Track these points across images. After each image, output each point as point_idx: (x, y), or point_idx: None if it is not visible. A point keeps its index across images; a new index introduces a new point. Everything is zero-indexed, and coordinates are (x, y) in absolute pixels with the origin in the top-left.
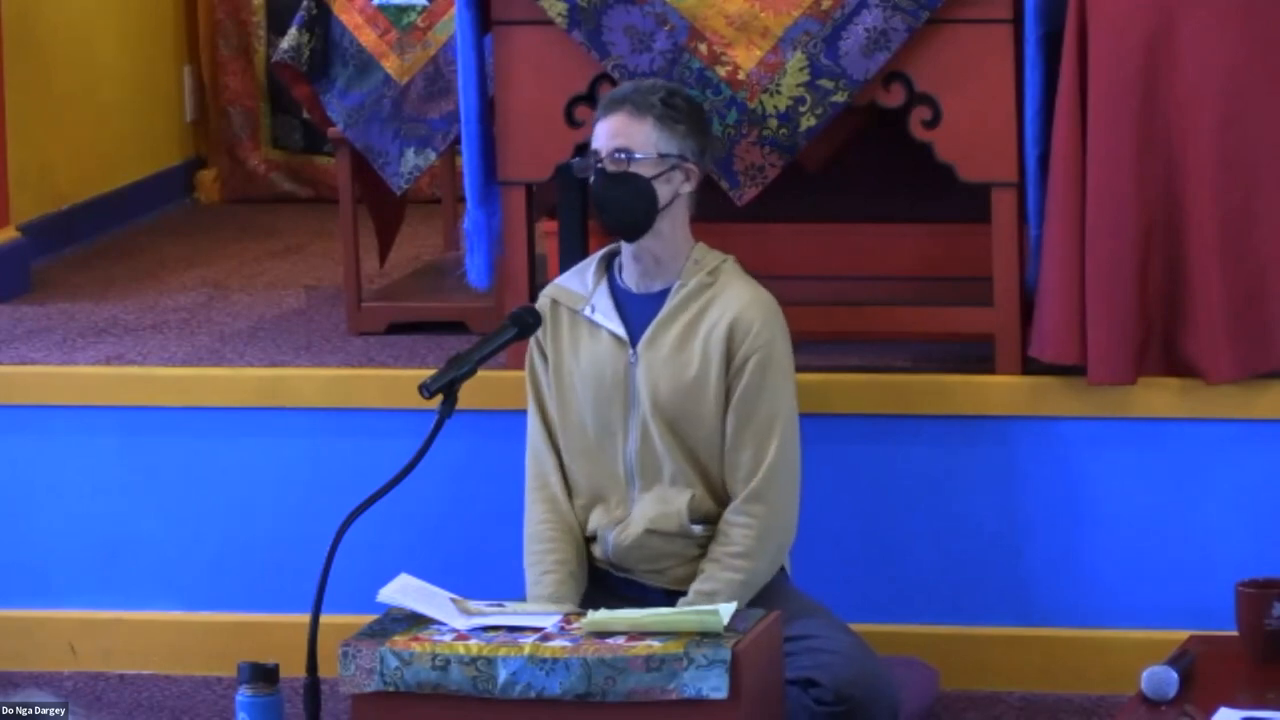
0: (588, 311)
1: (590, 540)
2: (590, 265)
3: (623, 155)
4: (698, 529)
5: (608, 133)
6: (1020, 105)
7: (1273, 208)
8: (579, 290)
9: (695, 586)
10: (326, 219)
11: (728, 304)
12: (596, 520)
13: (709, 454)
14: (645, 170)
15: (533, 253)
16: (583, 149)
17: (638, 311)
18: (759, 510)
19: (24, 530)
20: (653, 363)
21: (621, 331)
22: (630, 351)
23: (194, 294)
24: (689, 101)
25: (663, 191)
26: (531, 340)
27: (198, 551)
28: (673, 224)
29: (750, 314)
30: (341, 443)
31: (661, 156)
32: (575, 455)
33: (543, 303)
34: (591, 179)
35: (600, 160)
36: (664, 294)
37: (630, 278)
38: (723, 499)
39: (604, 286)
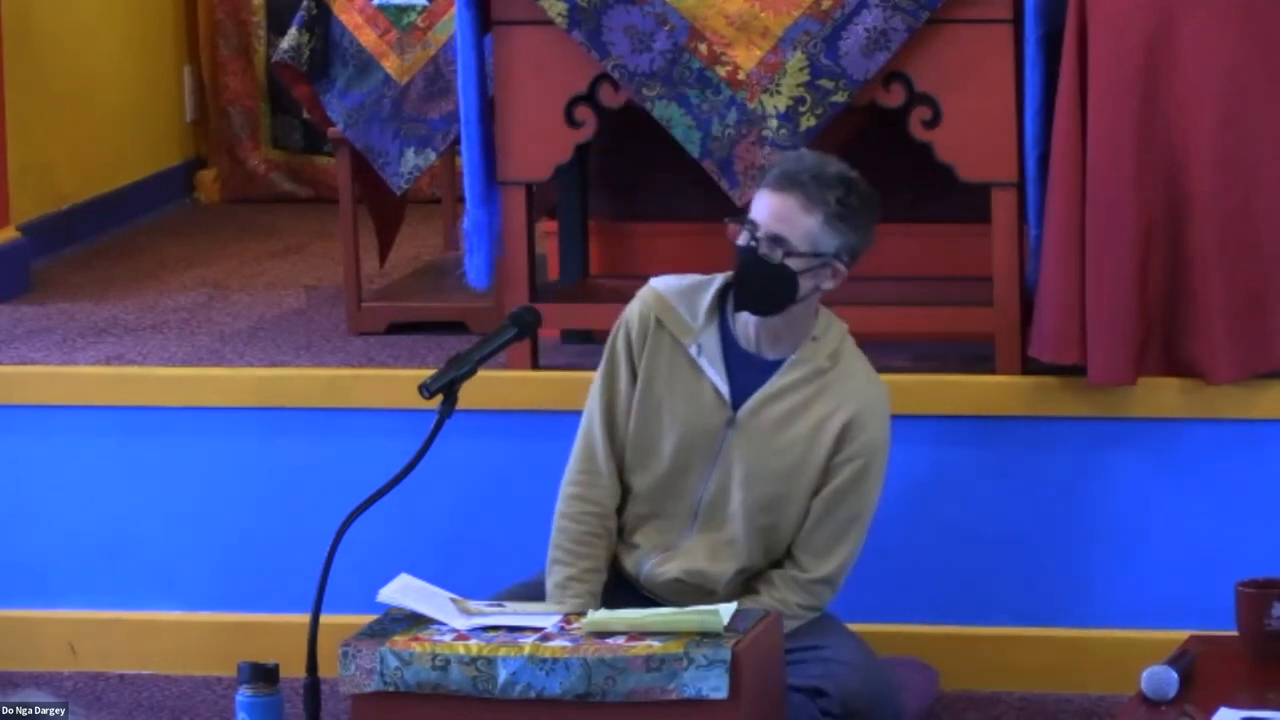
0: (693, 350)
1: (628, 547)
2: (706, 294)
3: (778, 243)
4: (725, 584)
5: (771, 212)
6: (1020, 105)
7: (1273, 208)
8: (688, 319)
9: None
10: (326, 219)
11: (844, 397)
12: (643, 538)
13: (783, 534)
14: (796, 264)
15: (533, 253)
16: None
17: (745, 371)
18: (822, 593)
19: (24, 530)
20: (753, 435)
21: (725, 390)
22: (730, 413)
23: (194, 294)
24: (863, 200)
25: (805, 285)
26: (621, 339)
27: (197, 551)
28: (804, 308)
29: (866, 417)
30: (341, 443)
31: (817, 255)
32: (643, 473)
33: (645, 312)
34: (739, 246)
35: (756, 236)
36: (776, 363)
37: (744, 332)
38: (772, 564)
39: (714, 327)
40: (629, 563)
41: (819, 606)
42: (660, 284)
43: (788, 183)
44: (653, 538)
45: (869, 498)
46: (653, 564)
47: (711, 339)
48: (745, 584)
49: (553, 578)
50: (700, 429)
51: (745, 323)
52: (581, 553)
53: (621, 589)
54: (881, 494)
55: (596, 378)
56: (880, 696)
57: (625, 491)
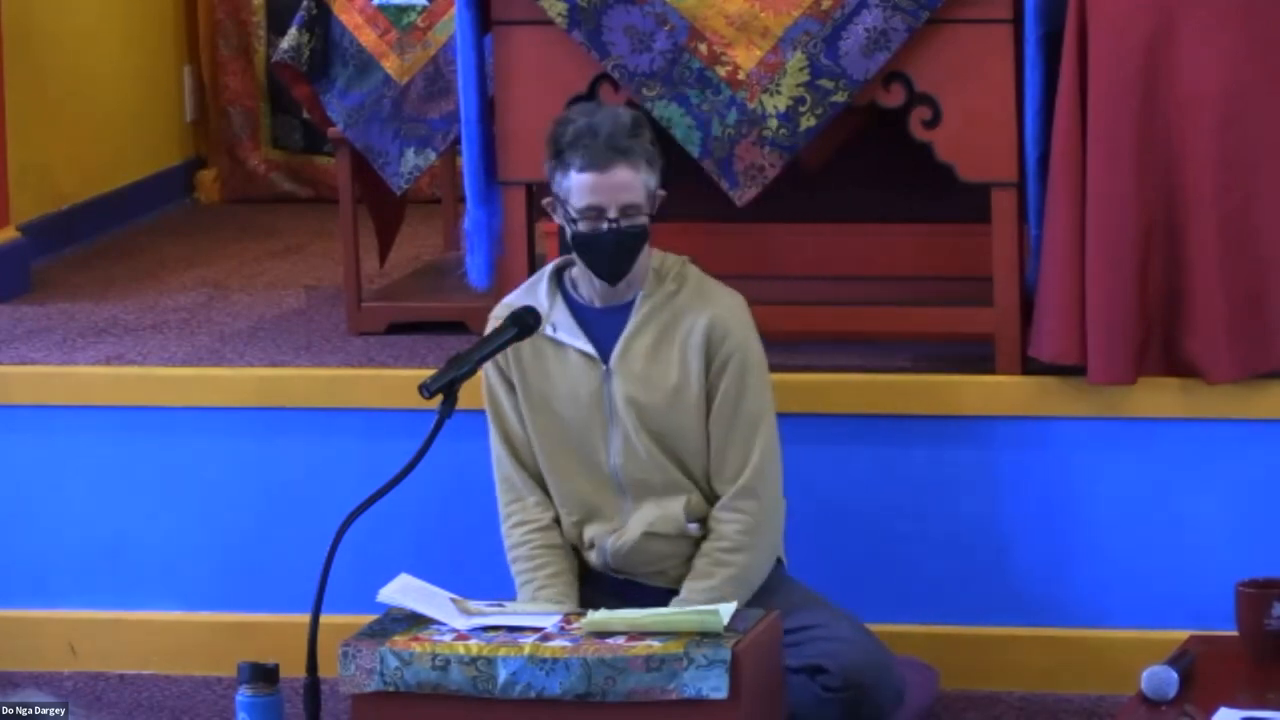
0: (549, 330)
1: (586, 549)
2: (541, 282)
3: (632, 210)
4: (694, 528)
5: (611, 189)
6: (1020, 105)
7: (1273, 208)
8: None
9: (690, 583)
10: (326, 219)
11: (700, 309)
12: (591, 531)
13: (696, 459)
14: (645, 218)
15: (533, 253)
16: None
17: (602, 326)
18: (750, 506)
19: (24, 530)
20: (628, 376)
21: (590, 349)
22: (602, 368)
23: (194, 294)
24: (648, 124)
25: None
26: (488, 368)
27: (198, 551)
28: (646, 248)
29: (725, 316)
30: (341, 443)
31: (653, 198)
32: (561, 475)
33: (497, 325)
34: (598, 233)
35: (610, 218)
36: (627, 306)
37: (589, 292)
38: (712, 500)
39: (561, 303)
40: (593, 558)
41: (757, 524)
42: (504, 300)
43: (611, 155)
44: (599, 528)
45: (759, 396)
46: (611, 543)
47: (562, 314)
48: (711, 504)
49: (524, 597)
50: (585, 396)
51: (589, 283)
52: (539, 564)
53: (600, 593)
54: (772, 396)
55: (488, 417)
56: (881, 670)
57: (552, 504)
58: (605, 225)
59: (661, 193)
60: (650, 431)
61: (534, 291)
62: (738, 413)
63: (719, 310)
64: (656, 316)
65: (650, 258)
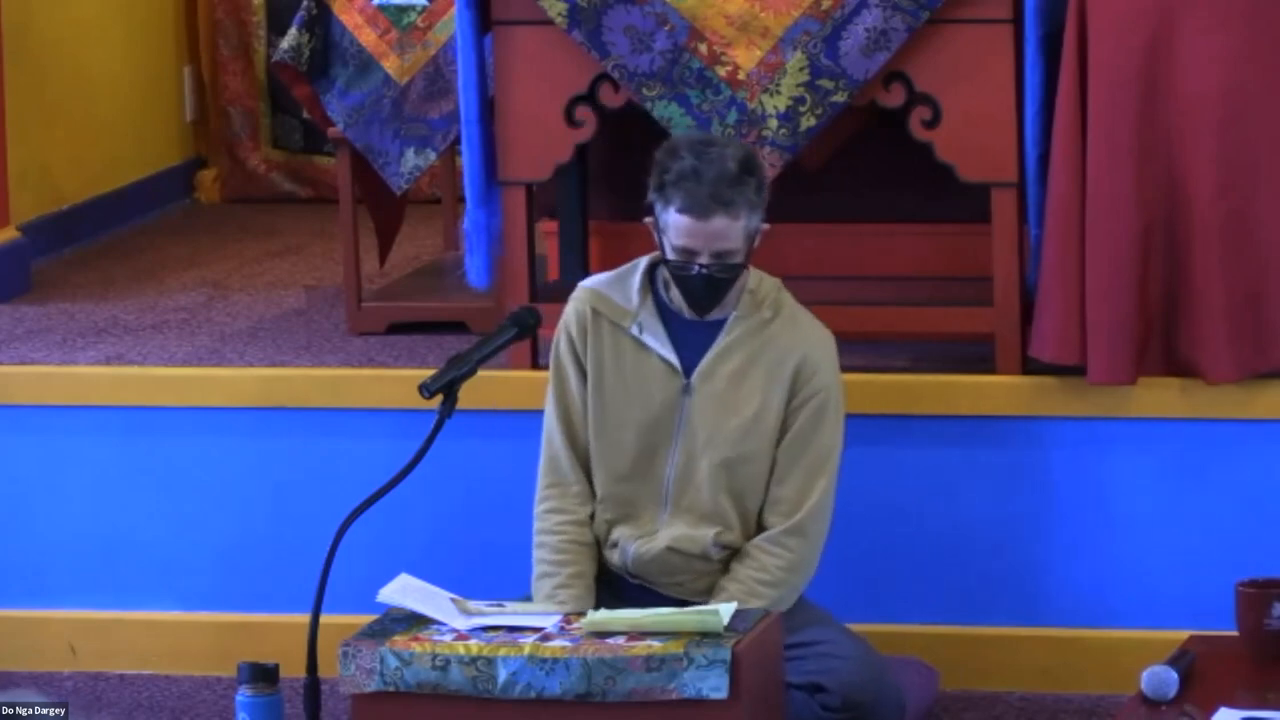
0: (635, 330)
1: (608, 547)
2: (634, 276)
3: (724, 255)
4: (716, 551)
5: (706, 238)
6: (1020, 105)
7: (1273, 208)
8: (623, 303)
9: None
10: (326, 219)
11: (793, 342)
12: (620, 533)
13: (753, 492)
14: (741, 257)
15: (533, 253)
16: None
17: (690, 338)
18: (796, 545)
19: (24, 530)
20: (708, 395)
21: (674, 359)
22: (683, 381)
23: (194, 294)
24: (759, 165)
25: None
26: (562, 342)
27: (198, 551)
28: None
29: (817, 355)
30: (341, 443)
31: (752, 238)
32: (610, 473)
33: (580, 309)
34: (690, 275)
35: (700, 264)
36: (718, 323)
37: (681, 301)
38: (752, 533)
39: (650, 304)
40: (614, 558)
41: (799, 563)
42: (589, 281)
43: (711, 206)
44: (629, 530)
45: (831, 439)
46: (635, 548)
47: (650, 315)
48: (746, 538)
49: (541, 591)
50: (658, 404)
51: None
52: (565, 560)
53: (614, 596)
54: (844, 444)
55: (548, 390)
56: (882, 689)
57: (593, 497)
58: (696, 268)
59: (765, 227)
60: (718, 455)
61: (625, 283)
62: (807, 449)
63: (811, 346)
64: (747, 341)
65: (748, 278)
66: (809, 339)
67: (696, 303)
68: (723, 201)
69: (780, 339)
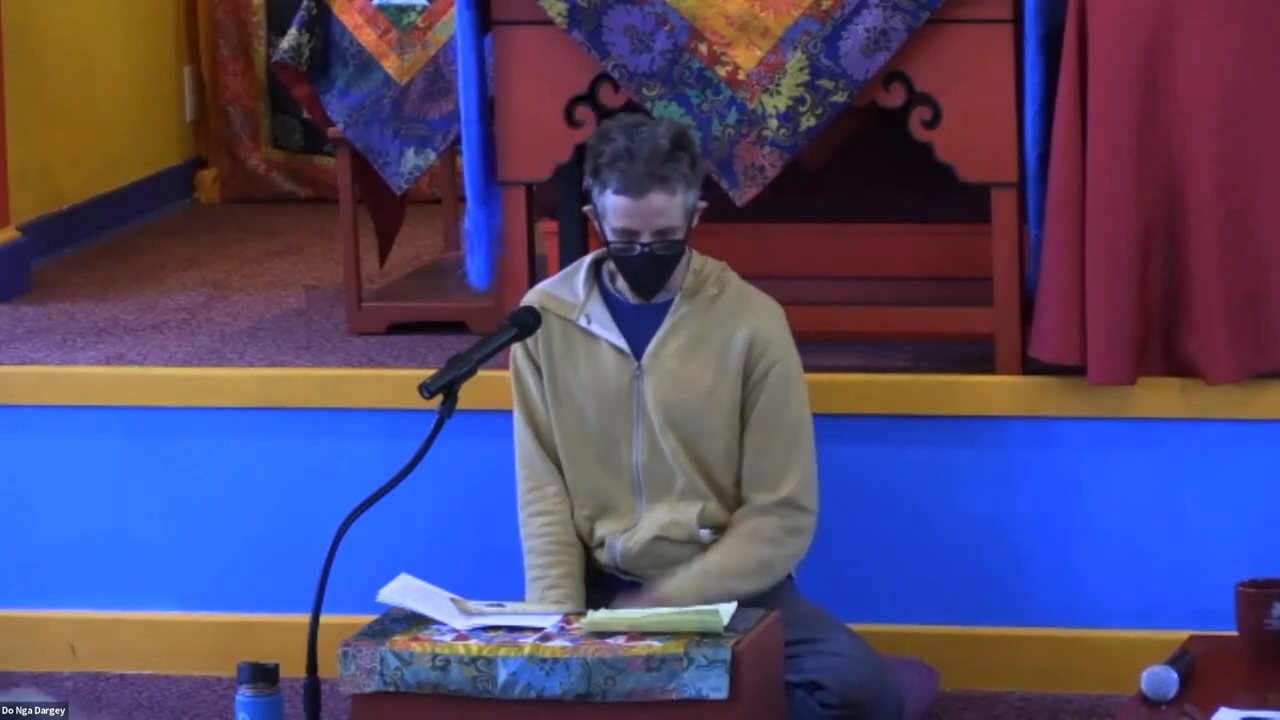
0: (583, 321)
1: (595, 546)
2: (579, 272)
3: (666, 233)
4: (706, 534)
5: (646, 215)
6: (1020, 105)
7: (1273, 208)
8: (569, 299)
9: (715, 558)
10: (326, 219)
11: (742, 316)
12: (603, 529)
13: (720, 463)
14: (681, 233)
15: (533, 253)
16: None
17: (638, 323)
18: (793, 514)
19: (24, 530)
20: (660, 375)
21: (623, 344)
22: (634, 364)
23: (194, 294)
24: (691, 141)
25: (686, 240)
26: (516, 349)
27: (198, 551)
28: (683, 258)
29: (768, 326)
30: (341, 443)
31: (690, 214)
32: (579, 466)
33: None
34: (630, 257)
35: (641, 242)
36: (664, 306)
37: (625, 288)
38: (733, 508)
39: (597, 295)
40: (603, 557)
41: (798, 528)
42: (537, 286)
43: (646, 183)
44: (611, 525)
45: (800, 404)
46: (622, 543)
47: (597, 305)
48: (729, 513)
49: (533, 594)
50: (613, 391)
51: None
52: (553, 561)
53: (607, 594)
54: (809, 411)
55: (513, 397)
56: (880, 688)
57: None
58: (638, 248)
59: (702, 204)
60: (677, 432)
61: (571, 280)
62: (779, 424)
63: (761, 321)
64: (694, 319)
65: (690, 259)
66: (757, 311)
67: (641, 285)
68: (658, 178)
69: (728, 314)
